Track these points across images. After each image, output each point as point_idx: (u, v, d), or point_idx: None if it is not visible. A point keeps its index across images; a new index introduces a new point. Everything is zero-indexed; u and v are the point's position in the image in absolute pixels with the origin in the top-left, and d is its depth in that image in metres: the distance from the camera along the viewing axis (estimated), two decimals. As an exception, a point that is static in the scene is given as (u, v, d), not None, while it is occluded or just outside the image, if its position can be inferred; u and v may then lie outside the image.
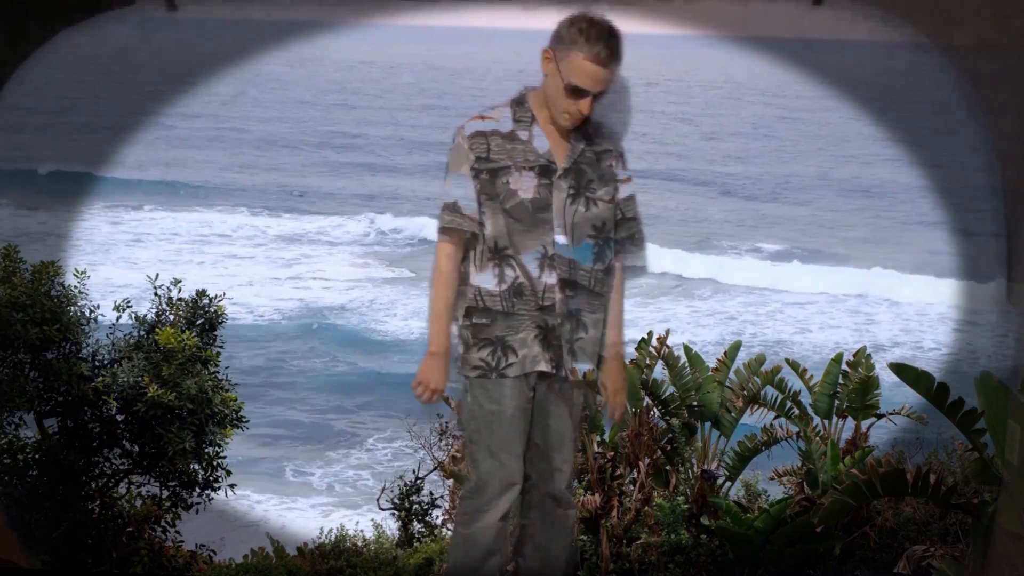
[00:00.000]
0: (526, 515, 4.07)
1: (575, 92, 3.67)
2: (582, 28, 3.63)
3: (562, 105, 3.71)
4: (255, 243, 33.09)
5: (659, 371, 6.61)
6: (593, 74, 3.63)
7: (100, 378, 7.01)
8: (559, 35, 3.68)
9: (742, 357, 6.79)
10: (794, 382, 6.61)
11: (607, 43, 3.62)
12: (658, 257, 31.76)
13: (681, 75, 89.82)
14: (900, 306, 27.25)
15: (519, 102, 3.81)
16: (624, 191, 3.91)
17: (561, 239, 3.78)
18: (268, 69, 73.68)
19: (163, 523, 7.59)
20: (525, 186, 3.75)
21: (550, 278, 3.78)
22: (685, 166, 48.30)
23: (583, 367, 3.90)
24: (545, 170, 3.77)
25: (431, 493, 8.76)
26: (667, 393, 6.56)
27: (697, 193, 42.64)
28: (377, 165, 46.77)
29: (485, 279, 3.80)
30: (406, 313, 25.44)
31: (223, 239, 33.35)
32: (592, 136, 3.84)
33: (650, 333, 6.71)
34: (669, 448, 6.57)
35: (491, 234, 3.78)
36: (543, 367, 3.82)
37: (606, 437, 6.70)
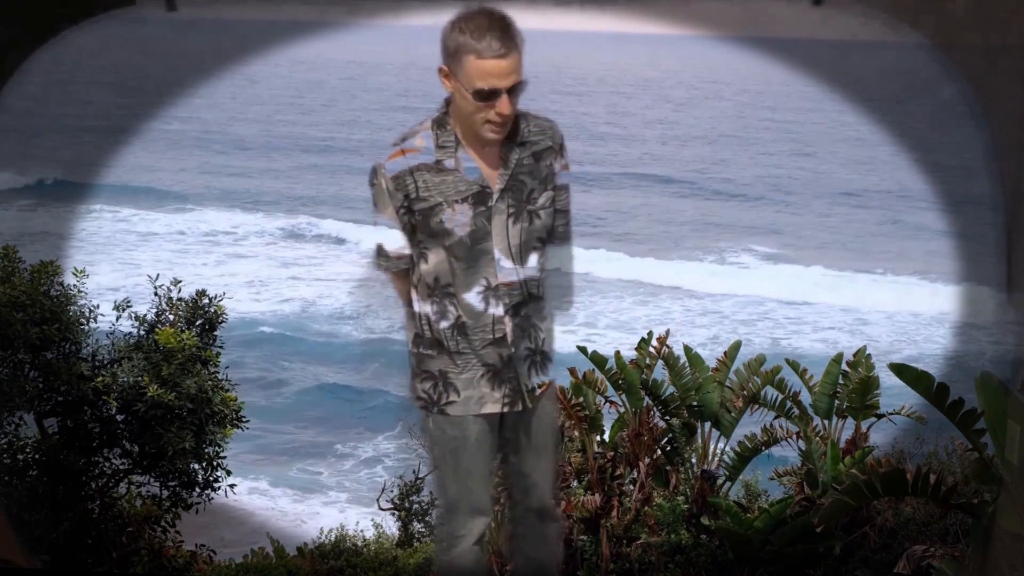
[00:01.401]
0: (513, 528, 4.00)
1: (485, 96, 3.31)
2: (463, 28, 3.27)
3: (479, 117, 3.35)
4: (254, 244, 33.10)
5: (659, 371, 6.60)
6: (494, 70, 3.27)
7: (100, 378, 7.01)
8: (445, 47, 3.33)
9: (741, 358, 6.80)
10: (794, 382, 6.60)
11: (494, 32, 3.26)
12: (654, 259, 31.85)
13: (678, 76, 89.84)
14: (899, 308, 27.26)
15: (440, 124, 3.45)
16: (560, 179, 3.59)
17: (505, 264, 3.52)
18: (262, 70, 73.71)
19: (163, 523, 7.60)
20: (461, 221, 3.44)
21: (497, 309, 3.54)
22: (678, 168, 48.30)
23: (541, 379, 3.71)
24: (480, 197, 3.45)
25: (431, 493, 8.76)
26: (667, 393, 6.56)
27: (692, 196, 42.63)
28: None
29: (428, 309, 3.59)
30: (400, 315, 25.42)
31: (223, 241, 33.36)
32: (527, 138, 3.50)
33: (650, 333, 6.71)
34: (669, 448, 6.57)
35: (432, 270, 3.53)
36: (491, 408, 3.62)
37: (606, 437, 6.70)
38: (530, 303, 3.62)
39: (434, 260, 3.54)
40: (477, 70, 3.28)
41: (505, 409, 3.65)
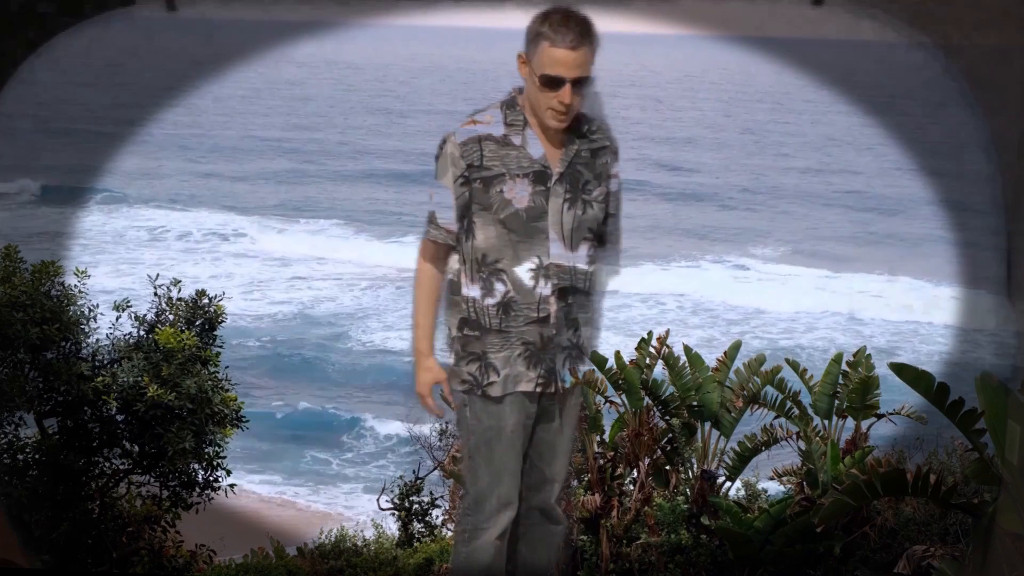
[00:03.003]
0: (515, 525, 3.96)
1: (550, 83, 3.52)
2: (544, 19, 3.52)
3: (543, 102, 3.57)
4: (250, 246, 33.10)
5: (659, 371, 6.61)
6: (563, 59, 3.49)
7: (100, 378, 7.01)
8: (527, 35, 3.57)
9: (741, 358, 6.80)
10: (794, 382, 6.61)
11: (571, 26, 3.50)
12: (651, 263, 31.83)
13: (676, 76, 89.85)
14: (897, 310, 27.23)
15: (510, 105, 3.67)
16: (612, 186, 3.78)
17: (557, 247, 3.66)
18: (261, 71, 73.72)
19: (163, 523, 7.59)
20: (519, 195, 3.61)
21: (545, 289, 3.66)
22: (675, 170, 48.27)
23: (574, 375, 3.78)
24: (540, 176, 3.63)
25: (431, 493, 8.76)
26: (667, 393, 6.56)
27: (690, 198, 42.60)
28: (379, 172, 46.75)
29: (475, 291, 3.69)
30: (396, 319, 25.51)
31: (219, 242, 33.38)
32: (586, 133, 3.71)
33: (650, 333, 6.71)
34: (669, 448, 6.57)
35: (481, 246, 3.65)
36: (525, 387, 3.70)
37: (606, 437, 6.70)
38: (576, 295, 3.72)
39: (483, 236, 3.65)
40: (548, 57, 3.51)
41: (538, 389, 3.72)
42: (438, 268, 3.75)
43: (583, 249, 3.71)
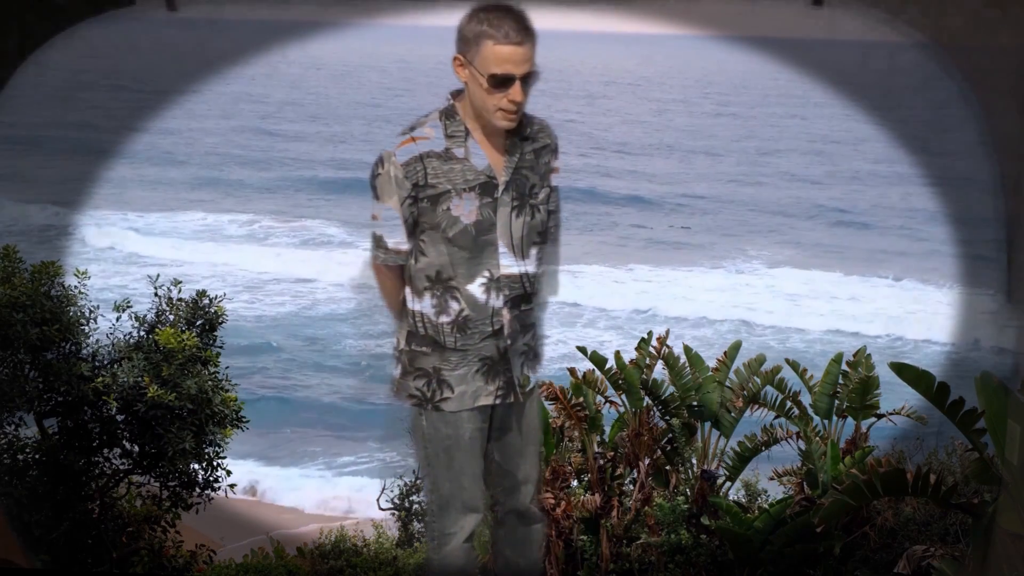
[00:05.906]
0: (496, 530, 4.02)
1: (500, 83, 3.40)
2: (481, 18, 3.39)
3: (492, 103, 3.43)
4: (248, 248, 33.11)
5: (659, 371, 6.61)
6: (510, 56, 3.37)
7: (100, 378, 7.00)
8: (462, 36, 3.43)
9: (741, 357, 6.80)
10: (794, 382, 6.61)
11: (512, 21, 3.37)
12: (649, 266, 31.86)
13: (676, 76, 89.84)
14: (897, 311, 27.24)
15: (448, 115, 3.53)
16: (552, 181, 3.67)
17: (507, 257, 3.57)
18: (261, 71, 73.72)
19: (163, 523, 7.59)
20: (467, 210, 3.49)
21: (497, 301, 3.58)
22: (672, 173, 48.24)
23: (534, 377, 3.75)
24: (486, 188, 3.52)
25: (430, 492, 8.75)
26: (667, 393, 6.56)
27: (686, 200, 42.59)
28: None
29: (425, 306, 3.60)
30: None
31: (216, 245, 33.38)
32: (530, 135, 3.61)
33: (650, 333, 6.72)
34: (669, 448, 6.57)
35: (433, 263, 3.55)
36: (486, 401, 3.65)
37: (606, 437, 6.70)
38: (528, 299, 3.65)
39: (434, 253, 3.56)
40: (494, 56, 3.38)
41: (497, 401, 3.68)
42: (398, 283, 3.68)
43: (532, 253, 3.62)
